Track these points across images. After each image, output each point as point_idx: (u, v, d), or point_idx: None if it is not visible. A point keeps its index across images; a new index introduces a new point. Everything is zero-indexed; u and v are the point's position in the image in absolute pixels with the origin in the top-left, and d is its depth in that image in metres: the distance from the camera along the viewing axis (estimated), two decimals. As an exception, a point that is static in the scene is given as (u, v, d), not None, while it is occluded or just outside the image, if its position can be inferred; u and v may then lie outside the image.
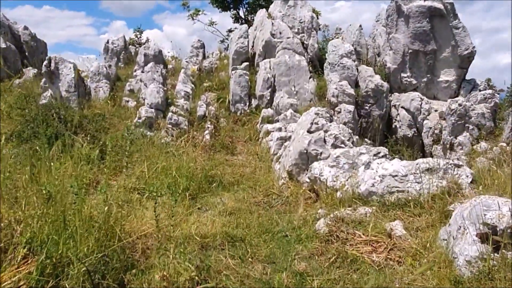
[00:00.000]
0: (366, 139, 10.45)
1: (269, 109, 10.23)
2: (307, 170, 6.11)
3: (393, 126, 10.59)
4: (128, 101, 10.98)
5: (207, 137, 9.34)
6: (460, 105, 8.94)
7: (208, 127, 9.73)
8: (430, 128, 9.73)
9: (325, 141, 6.02)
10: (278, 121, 9.58)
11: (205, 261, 3.28)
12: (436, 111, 9.91)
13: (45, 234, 2.90)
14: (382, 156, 5.46)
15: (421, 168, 4.21)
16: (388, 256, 3.26)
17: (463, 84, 9.97)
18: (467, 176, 4.18)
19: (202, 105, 10.28)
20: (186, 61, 13.23)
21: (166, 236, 3.75)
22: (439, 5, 9.50)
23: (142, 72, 11.77)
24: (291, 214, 5.14)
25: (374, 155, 5.44)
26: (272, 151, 7.85)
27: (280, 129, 9.03)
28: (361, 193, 4.43)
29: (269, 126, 9.23)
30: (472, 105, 9.14)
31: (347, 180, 5.47)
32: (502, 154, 8.30)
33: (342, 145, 6.07)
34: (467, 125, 9.06)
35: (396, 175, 4.23)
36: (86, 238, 3.00)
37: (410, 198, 4.05)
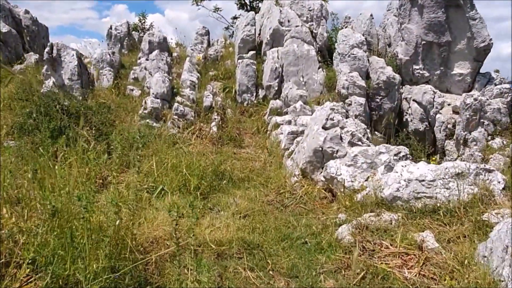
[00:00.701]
0: (376, 132, 10.22)
1: (277, 100, 9.95)
2: (322, 168, 5.88)
3: (404, 120, 10.32)
4: (132, 90, 10.69)
5: (214, 129, 9.08)
6: (475, 99, 8.66)
7: (215, 119, 9.46)
8: (443, 122, 9.46)
9: (341, 138, 5.77)
10: (287, 113, 9.30)
11: (224, 275, 3.05)
12: (449, 105, 9.63)
13: (50, 250, 2.66)
14: (403, 156, 5.22)
15: (450, 173, 3.97)
16: (421, 272, 3.04)
17: (478, 77, 9.67)
18: (499, 182, 3.94)
19: (209, 95, 9.99)
20: (191, 49, 12.90)
21: (180, 244, 3.53)
22: (455, -5, 9.15)
23: (147, 60, 11.45)
24: (308, 216, 4.92)
25: (395, 155, 5.19)
26: (283, 146, 7.60)
27: (289, 122, 8.77)
28: (384, 198, 4.20)
29: (278, 119, 8.96)
30: (487, 99, 8.86)
31: (366, 180, 5.24)
32: (519, 152, 8.05)
33: (359, 143, 5.82)
34: (482, 120, 8.79)
35: (423, 180, 3.99)
36: (95, 253, 2.76)
37: (438, 205, 3.82)
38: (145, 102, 8.76)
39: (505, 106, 8.84)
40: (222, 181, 6.35)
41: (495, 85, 9.33)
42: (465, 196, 3.78)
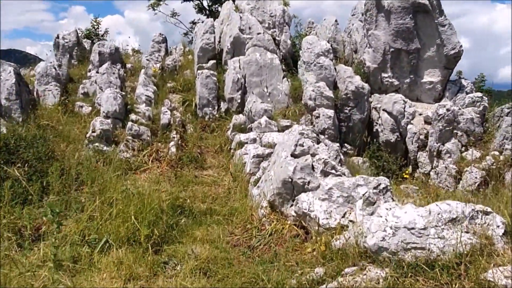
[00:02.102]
0: (346, 145, 9.72)
1: (240, 115, 9.25)
2: (292, 201, 5.24)
3: (374, 130, 9.87)
4: (82, 107, 9.70)
5: (173, 149, 8.29)
6: (448, 110, 8.28)
7: (174, 137, 8.67)
8: (415, 133, 9.06)
9: (313, 167, 5.15)
10: (251, 129, 8.63)
11: None
12: (420, 114, 9.25)
13: None
14: (383, 189, 4.64)
15: (443, 219, 3.40)
16: None
17: (448, 85, 9.34)
18: (498, 226, 3.42)
19: (166, 111, 9.17)
20: (147, 59, 11.99)
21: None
22: (423, 0, 8.75)
23: (97, 72, 10.48)
24: (279, 264, 4.25)
25: (374, 187, 4.61)
26: (248, 170, 6.92)
27: (254, 140, 8.10)
28: (368, 248, 3.58)
29: (242, 136, 8.27)
30: (460, 109, 8.51)
31: (342, 217, 4.63)
32: (496, 164, 7.72)
33: (333, 171, 5.21)
34: (455, 131, 8.43)
35: (412, 228, 3.41)
36: None
37: (432, 257, 3.24)
38: (94, 124, 7.84)
39: (478, 115, 8.53)
40: (180, 217, 5.61)
41: (467, 93, 9.01)
42: (462, 247, 3.22)
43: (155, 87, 10.45)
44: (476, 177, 7.82)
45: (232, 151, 8.48)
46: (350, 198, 4.69)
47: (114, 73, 10.03)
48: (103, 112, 8.58)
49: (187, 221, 5.53)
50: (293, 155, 5.35)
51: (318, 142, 5.55)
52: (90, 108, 9.66)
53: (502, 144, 7.88)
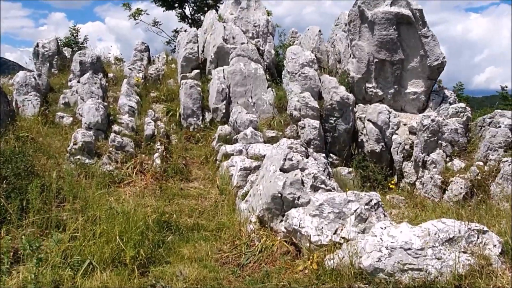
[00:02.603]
0: (332, 155, 9.69)
1: (225, 126, 9.14)
2: (282, 216, 5.14)
3: (359, 140, 9.88)
4: (62, 117, 9.43)
5: (158, 161, 8.11)
6: (433, 120, 8.34)
7: (158, 149, 8.49)
8: (400, 143, 9.09)
9: (302, 182, 5.06)
10: (237, 140, 8.52)
11: None
12: (405, 125, 9.29)
13: None
14: (375, 205, 4.59)
15: (440, 239, 3.34)
16: None
17: (432, 96, 9.42)
18: (495, 245, 3.38)
19: (150, 122, 8.99)
20: (129, 68, 11.77)
21: None
22: (406, 12, 8.82)
23: (78, 82, 10.23)
24: (271, 285, 4.14)
25: (366, 203, 4.55)
26: (235, 183, 6.80)
27: (241, 152, 8.00)
28: (363, 268, 3.51)
29: (228, 148, 8.15)
30: (444, 119, 8.57)
31: (334, 233, 4.55)
32: (481, 175, 7.79)
33: (323, 186, 5.14)
34: (440, 141, 8.49)
35: (409, 248, 3.35)
36: None
37: (430, 279, 3.18)
38: (75, 136, 7.61)
39: (462, 126, 8.61)
40: (167, 234, 5.45)
41: (450, 103, 9.10)
42: (460, 268, 3.17)
43: (138, 97, 10.26)
44: (461, 188, 7.86)
45: (218, 162, 8.36)
46: (341, 214, 4.62)
47: (95, 83, 9.80)
48: (85, 123, 8.36)
49: (174, 238, 5.37)
50: (282, 170, 5.26)
51: (307, 156, 5.48)
52: (71, 118, 9.41)
53: (487, 155, 7.96)
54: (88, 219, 4.72)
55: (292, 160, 5.27)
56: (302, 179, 5.09)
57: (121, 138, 8.26)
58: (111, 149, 8.05)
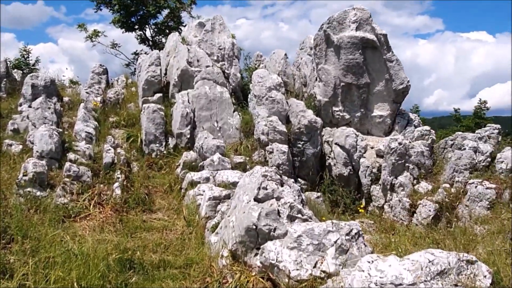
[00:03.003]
0: (300, 179, 9.50)
1: (191, 152, 8.76)
2: (257, 249, 4.79)
3: (327, 164, 9.76)
4: (11, 145, 8.71)
5: (118, 191, 7.58)
6: (400, 143, 8.35)
7: (118, 178, 7.96)
8: (368, 167, 9.04)
9: (279, 212, 4.76)
10: (203, 167, 8.15)
11: None
12: (372, 148, 9.27)
13: None
14: (356, 234, 4.35)
15: (431, 272, 3.13)
16: None
17: (397, 119, 9.49)
18: (485, 276, 3.21)
19: (109, 149, 8.45)
20: (87, 92, 11.19)
21: None
22: (371, 37, 8.90)
23: (30, 107, 9.56)
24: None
25: (346, 234, 4.30)
26: (204, 214, 6.40)
27: (208, 179, 7.62)
28: (352, 309, 3.22)
29: (194, 175, 7.75)
30: (410, 142, 8.61)
31: (314, 267, 4.25)
32: (449, 197, 7.80)
33: (299, 215, 4.86)
34: (407, 164, 8.49)
35: (400, 284, 3.10)
36: None
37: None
38: (25, 166, 6.98)
39: (427, 148, 8.66)
40: (130, 274, 4.96)
41: (415, 126, 9.18)
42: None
43: (96, 123, 9.70)
44: (430, 210, 7.84)
45: (183, 191, 7.93)
46: (321, 246, 4.34)
47: (49, 107, 9.19)
48: (37, 151, 7.73)
49: (138, 278, 4.89)
50: (257, 199, 4.95)
51: (282, 184, 5.21)
52: (20, 146, 8.71)
53: (453, 177, 8.01)
54: (40, 263, 4.17)
55: (267, 189, 4.98)
56: (278, 209, 4.79)
57: (77, 167, 7.67)
58: (66, 179, 7.44)
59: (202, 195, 6.96)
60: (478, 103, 20.49)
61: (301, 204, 5.33)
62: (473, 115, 20.55)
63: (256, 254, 4.82)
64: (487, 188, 7.05)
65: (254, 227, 4.74)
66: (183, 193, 7.84)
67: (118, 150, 8.96)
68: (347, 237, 4.31)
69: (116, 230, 6.58)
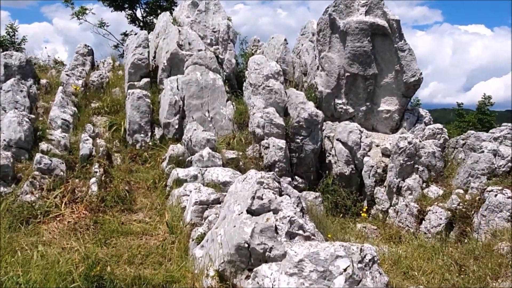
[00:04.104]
0: (297, 177, 8.72)
1: (178, 145, 7.91)
2: (249, 271, 4.02)
3: (327, 161, 8.98)
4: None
5: (94, 188, 6.74)
6: (410, 143, 7.56)
7: (96, 172, 7.11)
8: (372, 166, 8.26)
9: (276, 229, 3.96)
10: (191, 163, 7.33)
11: None
12: (377, 146, 8.48)
13: None
14: (370, 261, 3.58)
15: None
16: None
17: (406, 115, 8.68)
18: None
19: (87, 139, 7.58)
20: (67, 74, 10.24)
21: None
22: (382, 22, 8.04)
23: (1, 89, 8.63)
24: None
25: (359, 261, 3.52)
26: (188, 219, 5.59)
27: (195, 177, 6.81)
28: None
29: (180, 172, 6.93)
30: (420, 141, 7.82)
31: (317, 300, 3.48)
32: (463, 204, 7.04)
33: (300, 232, 4.07)
34: (416, 166, 7.73)
35: None
36: None
37: None
38: (-13, 158, 6.11)
39: (439, 149, 7.89)
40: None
41: (425, 124, 8.39)
42: None
43: (75, 108, 8.81)
44: (441, 218, 7.11)
45: (168, 189, 7.11)
46: (327, 274, 3.56)
47: (22, 90, 8.26)
48: (4, 140, 6.85)
49: (107, 301, 4.09)
50: (250, 211, 4.15)
51: (281, 193, 4.40)
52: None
53: (467, 182, 7.24)
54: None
55: (262, 199, 4.17)
56: (275, 224, 3.99)
57: (49, 159, 6.81)
58: (35, 173, 6.59)
59: (189, 195, 6.14)
60: (482, 98, 19.76)
61: (302, 217, 4.54)
62: (476, 110, 19.83)
63: (247, 277, 4.04)
64: (509, 197, 6.29)
65: (246, 245, 3.94)
66: (168, 192, 7.03)
67: (98, 140, 8.09)
68: (359, 265, 3.54)
69: (89, 234, 5.78)
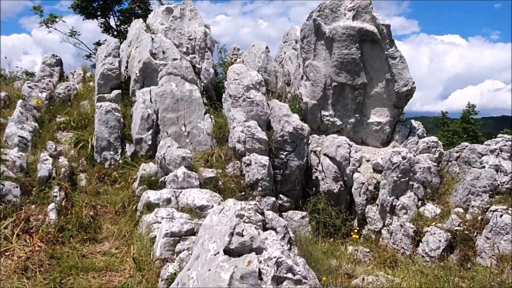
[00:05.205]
0: (282, 196, 8.02)
1: (150, 163, 7.15)
2: (228, 325, 3.26)
3: (314, 178, 8.32)
4: None
5: (52, 215, 5.94)
6: (404, 158, 6.96)
7: (56, 196, 6.30)
8: (363, 183, 7.63)
9: (260, 274, 3.24)
10: (165, 184, 6.57)
11: None
12: (368, 161, 7.86)
13: None
14: (377, 316, 2.87)
15: None
16: None
17: (398, 127, 8.09)
18: None
19: (47, 159, 6.76)
20: (29, 86, 9.36)
21: None
22: (371, 27, 7.47)
23: (-48, 104, 7.74)
24: None
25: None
26: (158, 253, 4.82)
27: (169, 201, 6.05)
28: None
29: (151, 196, 6.15)
30: (415, 156, 7.23)
31: None
32: (463, 225, 6.44)
33: (289, 275, 3.36)
34: (411, 182, 7.12)
35: None
36: None
37: None
38: None
39: (435, 164, 7.31)
40: None
41: (419, 136, 7.81)
42: None
43: (36, 124, 7.97)
44: (440, 240, 6.50)
45: (138, 213, 6.33)
46: (324, 333, 2.84)
47: (-26, 105, 7.38)
48: None
49: None
50: (228, 251, 3.41)
51: (265, 226, 3.69)
52: None
53: (467, 200, 6.66)
54: None
55: (243, 236, 3.44)
56: (259, 268, 3.26)
57: (1, 183, 5.97)
58: (-16, 199, 5.74)
59: (160, 223, 5.37)
60: (466, 106, 19.51)
61: (291, 250, 3.85)
62: (461, 119, 19.53)
63: (226, 333, 3.29)
64: (516, 218, 5.71)
65: (224, 295, 3.20)
66: (139, 217, 6.24)
67: (61, 159, 7.27)
68: (365, 322, 2.82)
69: (43, 273, 4.97)
